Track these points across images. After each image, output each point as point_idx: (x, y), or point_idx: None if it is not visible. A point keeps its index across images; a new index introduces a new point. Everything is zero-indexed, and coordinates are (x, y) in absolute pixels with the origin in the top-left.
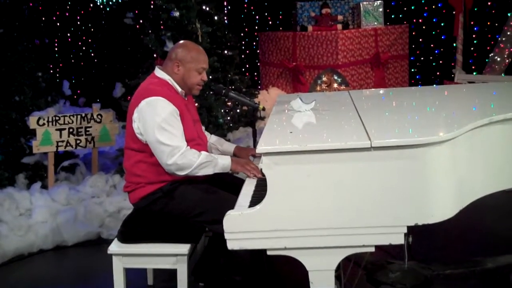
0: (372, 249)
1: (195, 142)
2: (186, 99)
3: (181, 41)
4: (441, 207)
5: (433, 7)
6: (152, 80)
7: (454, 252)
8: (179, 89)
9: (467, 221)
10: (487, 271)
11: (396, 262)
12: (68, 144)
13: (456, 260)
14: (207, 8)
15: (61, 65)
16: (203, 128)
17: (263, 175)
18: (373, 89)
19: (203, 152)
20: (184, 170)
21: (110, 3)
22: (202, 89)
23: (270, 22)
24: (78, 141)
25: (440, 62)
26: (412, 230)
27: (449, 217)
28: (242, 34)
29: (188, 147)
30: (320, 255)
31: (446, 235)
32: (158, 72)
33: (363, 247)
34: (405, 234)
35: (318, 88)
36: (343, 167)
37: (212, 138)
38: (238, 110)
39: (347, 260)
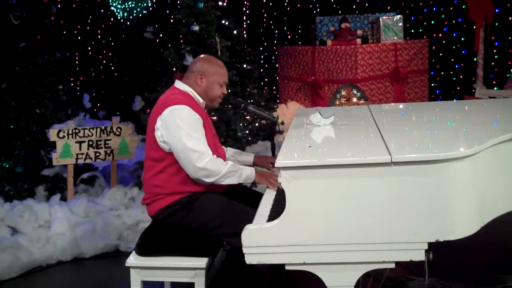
0: (392, 265)
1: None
2: (206, 111)
3: (203, 55)
4: (462, 224)
5: (453, 21)
6: (173, 91)
7: (475, 269)
8: (201, 100)
9: (489, 237)
10: None
11: (416, 278)
12: (88, 157)
13: (477, 277)
14: (227, 23)
15: (81, 78)
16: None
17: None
18: (392, 103)
19: (229, 162)
20: (212, 177)
21: (131, 17)
22: (221, 102)
23: (289, 36)
24: (97, 154)
25: (461, 77)
26: (433, 246)
27: (470, 233)
28: (261, 48)
29: (215, 155)
30: (339, 271)
31: (467, 252)
32: (179, 84)
33: (383, 263)
34: (426, 250)
35: (337, 102)
36: (363, 182)
37: (229, 151)
38: (256, 124)
39: (367, 276)
